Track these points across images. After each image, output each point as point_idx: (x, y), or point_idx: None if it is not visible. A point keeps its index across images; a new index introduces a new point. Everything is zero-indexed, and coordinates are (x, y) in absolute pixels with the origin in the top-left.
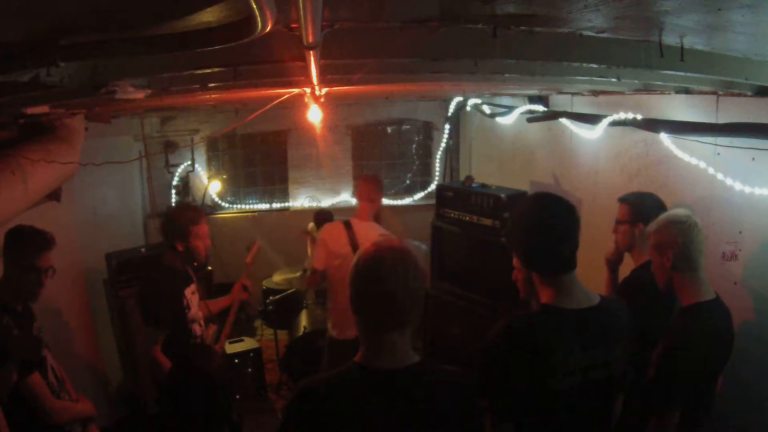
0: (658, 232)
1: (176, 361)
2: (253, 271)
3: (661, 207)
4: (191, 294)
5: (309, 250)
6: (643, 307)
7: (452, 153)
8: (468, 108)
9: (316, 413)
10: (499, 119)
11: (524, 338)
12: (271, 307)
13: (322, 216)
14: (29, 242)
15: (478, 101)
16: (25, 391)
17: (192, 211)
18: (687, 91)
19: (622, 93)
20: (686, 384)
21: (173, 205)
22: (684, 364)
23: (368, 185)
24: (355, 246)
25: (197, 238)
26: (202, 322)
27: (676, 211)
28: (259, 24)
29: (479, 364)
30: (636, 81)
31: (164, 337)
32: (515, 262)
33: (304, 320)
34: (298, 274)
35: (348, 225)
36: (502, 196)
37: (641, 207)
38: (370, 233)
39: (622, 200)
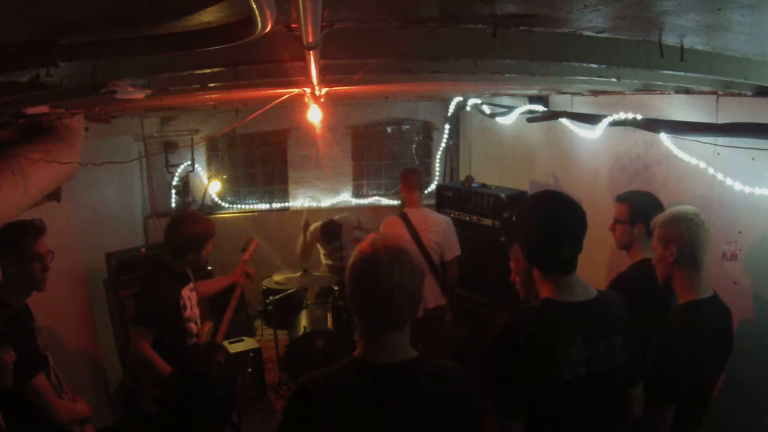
0: (665, 225)
1: (173, 360)
2: (251, 266)
3: (659, 206)
4: (189, 292)
5: (299, 246)
6: (637, 304)
7: (452, 153)
8: (468, 108)
9: (316, 408)
10: (499, 119)
11: (527, 333)
12: (271, 307)
13: (330, 228)
14: (23, 233)
15: (478, 101)
16: (30, 391)
17: (207, 224)
18: (687, 91)
19: (622, 93)
20: (682, 381)
21: (183, 215)
22: (680, 361)
23: (416, 176)
24: (415, 234)
25: (207, 251)
26: (198, 321)
27: (685, 208)
28: (259, 24)
29: (483, 364)
30: (636, 81)
31: (154, 335)
32: (512, 263)
33: (304, 320)
34: (298, 274)
35: (404, 216)
36: (502, 196)
37: (641, 207)
38: (426, 218)
39: (621, 200)
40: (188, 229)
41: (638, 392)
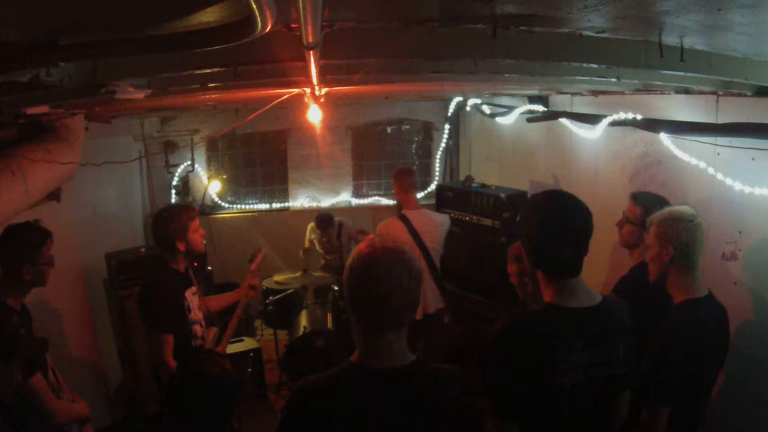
0: (662, 224)
1: (178, 363)
2: (257, 277)
3: None
4: (192, 295)
5: (305, 248)
6: (640, 305)
7: (452, 153)
8: (468, 108)
9: (314, 413)
10: (499, 119)
11: (526, 337)
12: (271, 307)
13: (323, 217)
14: (41, 239)
15: (478, 101)
16: (28, 391)
17: (184, 208)
18: (687, 91)
19: (622, 93)
20: (677, 380)
21: (158, 212)
22: (675, 361)
23: (411, 176)
24: (416, 236)
25: (194, 231)
26: (203, 323)
27: (683, 208)
28: (259, 24)
29: (481, 365)
30: (636, 81)
31: (172, 340)
32: (509, 264)
33: (304, 320)
34: (298, 274)
35: (404, 218)
36: (502, 196)
37: (654, 212)
38: (426, 220)
39: (637, 200)
40: (169, 217)
41: (625, 396)
